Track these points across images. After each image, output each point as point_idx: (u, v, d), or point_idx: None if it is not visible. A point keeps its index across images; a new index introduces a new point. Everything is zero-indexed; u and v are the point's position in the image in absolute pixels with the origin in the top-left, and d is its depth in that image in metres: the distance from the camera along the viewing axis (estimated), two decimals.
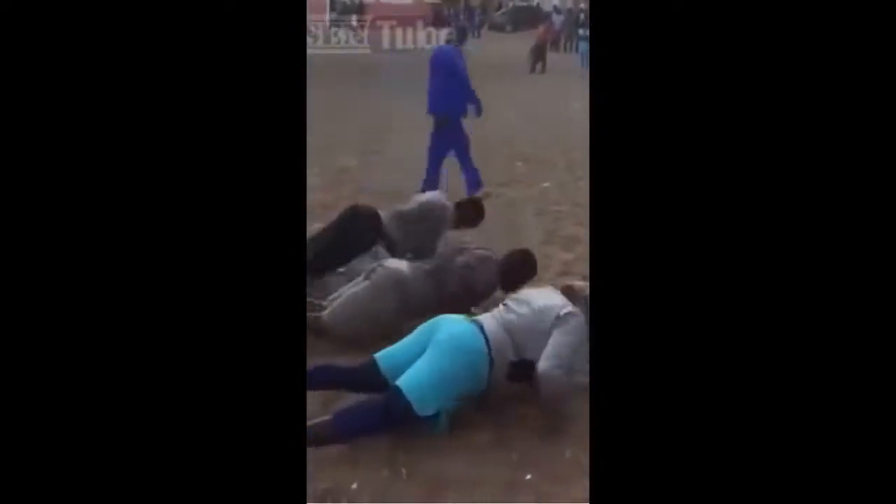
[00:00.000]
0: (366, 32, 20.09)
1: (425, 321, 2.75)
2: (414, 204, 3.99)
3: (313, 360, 2.54)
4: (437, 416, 2.53)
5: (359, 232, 3.72)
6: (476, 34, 23.28)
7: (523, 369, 2.64)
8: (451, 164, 5.69)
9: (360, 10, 23.65)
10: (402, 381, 2.51)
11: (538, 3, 30.20)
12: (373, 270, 3.36)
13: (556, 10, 23.55)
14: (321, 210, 4.66)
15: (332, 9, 22.84)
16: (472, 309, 3.22)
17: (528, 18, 27.22)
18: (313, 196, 4.72)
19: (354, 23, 21.93)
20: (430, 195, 4.23)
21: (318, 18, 19.47)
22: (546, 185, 6.34)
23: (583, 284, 2.90)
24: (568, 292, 2.83)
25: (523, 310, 2.74)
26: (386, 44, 18.57)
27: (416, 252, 3.69)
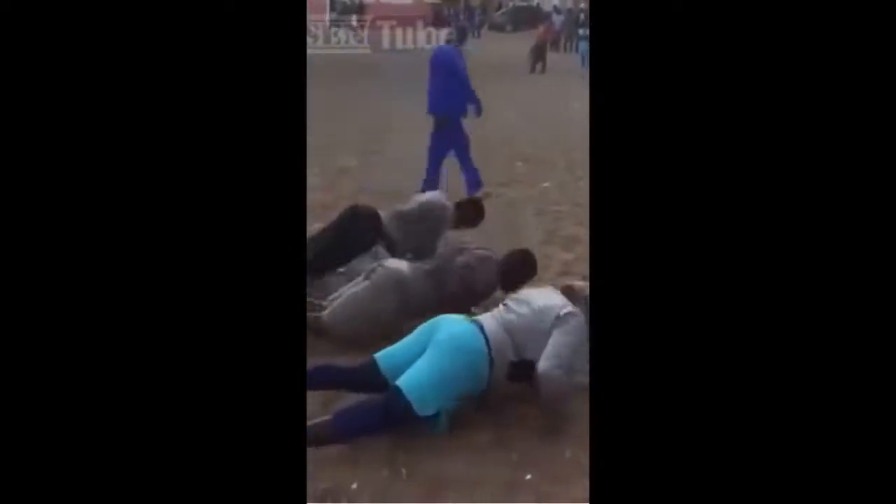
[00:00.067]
0: (366, 32, 20.10)
1: (425, 321, 2.75)
2: (414, 204, 3.99)
3: (313, 360, 2.54)
4: (437, 416, 2.52)
5: (359, 232, 3.72)
6: (476, 34, 23.28)
7: (523, 369, 2.64)
8: (451, 164, 5.69)
9: (360, 10, 23.63)
10: (402, 381, 2.51)
11: (538, 3, 30.20)
12: (373, 270, 3.36)
13: (556, 10, 23.55)
14: (321, 210, 4.66)
15: (332, 9, 22.85)
16: (472, 309, 3.22)
17: (528, 18, 27.22)
18: (313, 196, 4.72)
19: (354, 23, 21.93)
20: (430, 195, 4.23)
21: (318, 18, 19.47)
22: (546, 185, 6.34)
23: (583, 284, 2.89)
24: (568, 292, 2.83)
25: (523, 310, 2.74)
26: (386, 44, 18.57)
27: (416, 252, 3.69)
